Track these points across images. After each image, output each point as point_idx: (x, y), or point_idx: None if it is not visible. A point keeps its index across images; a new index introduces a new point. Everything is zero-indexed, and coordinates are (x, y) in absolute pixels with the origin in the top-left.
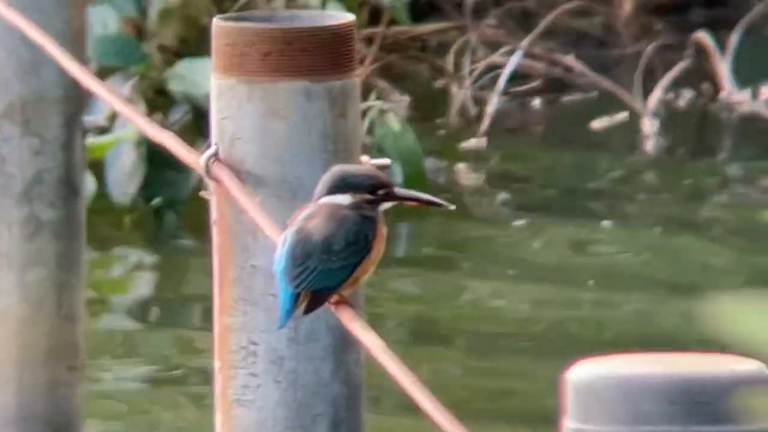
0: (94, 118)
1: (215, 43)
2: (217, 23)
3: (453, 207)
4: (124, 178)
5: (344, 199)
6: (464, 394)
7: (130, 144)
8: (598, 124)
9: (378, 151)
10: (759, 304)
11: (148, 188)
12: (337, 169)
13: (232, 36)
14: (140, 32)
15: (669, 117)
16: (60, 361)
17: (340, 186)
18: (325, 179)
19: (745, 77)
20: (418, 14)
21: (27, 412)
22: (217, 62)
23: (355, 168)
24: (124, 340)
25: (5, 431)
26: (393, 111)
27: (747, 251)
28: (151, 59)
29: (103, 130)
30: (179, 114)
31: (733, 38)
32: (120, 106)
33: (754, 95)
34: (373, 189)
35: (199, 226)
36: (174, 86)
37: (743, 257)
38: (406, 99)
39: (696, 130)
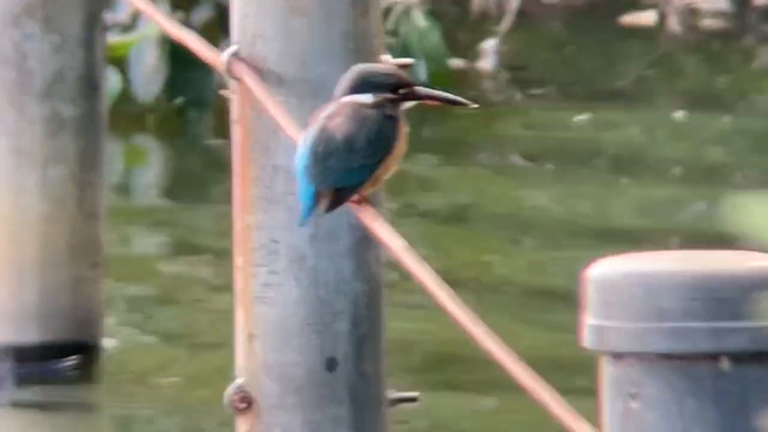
0: (115, 15)
1: None
2: None
3: (476, 105)
4: (148, 76)
5: (366, 98)
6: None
7: (153, 42)
8: (625, 20)
9: (403, 49)
10: None
11: (171, 87)
12: (358, 67)
13: None
14: None
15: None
16: (82, 258)
17: (362, 85)
18: (347, 78)
19: None
20: None
21: (50, 309)
22: None
23: (377, 67)
24: (145, 238)
25: (29, 328)
26: (417, 8)
27: None
28: None
29: (126, 28)
30: (203, 12)
31: None
32: (142, 4)
33: None
34: (395, 88)
35: (223, 125)
36: None
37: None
38: None
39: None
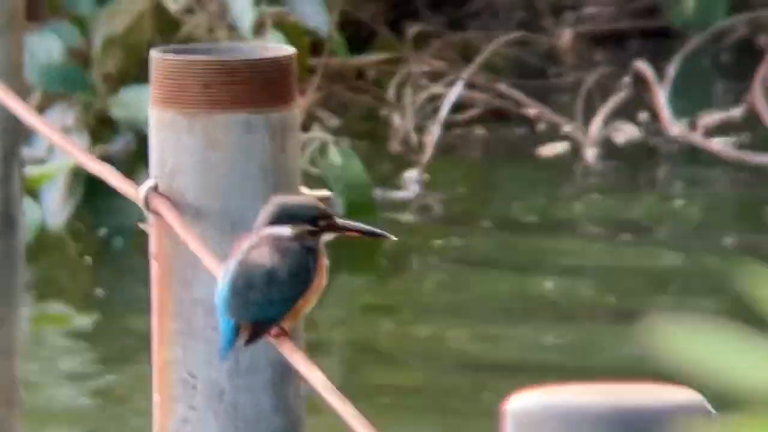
0: (33, 150)
1: (154, 75)
2: (157, 56)
3: (394, 238)
4: (58, 204)
5: (285, 230)
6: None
7: (67, 172)
8: (543, 152)
9: (325, 182)
10: (698, 329)
11: (95, 216)
12: (277, 200)
13: (172, 68)
14: (85, 61)
15: (609, 147)
16: None
17: (281, 217)
18: (266, 210)
19: (683, 108)
20: (358, 45)
21: None
22: (157, 94)
23: (296, 199)
24: (69, 372)
25: None
26: (336, 142)
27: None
28: (95, 87)
29: (43, 160)
30: (123, 143)
31: (671, 69)
32: (58, 139)
33: (691, 126)
34: (314, 219)
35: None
36: (117, 113)
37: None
38: (337, 121)
39: (635, 160)
